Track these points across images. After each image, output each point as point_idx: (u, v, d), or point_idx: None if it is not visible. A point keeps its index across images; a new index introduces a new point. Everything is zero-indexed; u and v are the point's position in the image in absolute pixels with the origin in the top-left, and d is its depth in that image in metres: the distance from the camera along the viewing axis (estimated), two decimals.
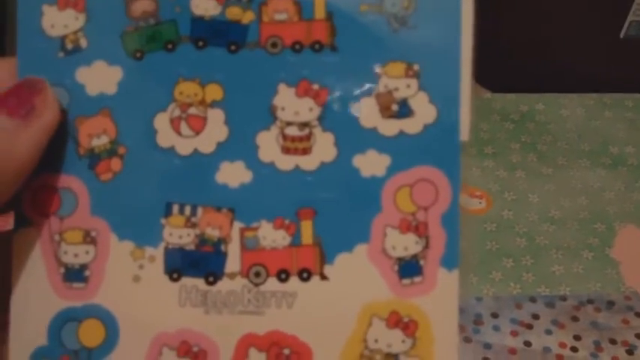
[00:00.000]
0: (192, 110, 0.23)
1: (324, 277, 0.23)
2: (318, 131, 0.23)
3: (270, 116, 0.23)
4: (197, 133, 0.23)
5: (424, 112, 0.23)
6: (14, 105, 0.21)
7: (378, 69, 0.23)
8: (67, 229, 0.23)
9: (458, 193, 0.22)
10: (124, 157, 0.23)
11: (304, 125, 0.23)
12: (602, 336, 0.54)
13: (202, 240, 0.23)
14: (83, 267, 0.23)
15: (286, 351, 0.23)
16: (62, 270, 0.23)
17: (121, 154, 0.23)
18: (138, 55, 0.23)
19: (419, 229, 0.23)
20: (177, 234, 0.23)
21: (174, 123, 0.23)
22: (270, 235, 0.23)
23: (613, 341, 0.54)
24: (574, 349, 0.53)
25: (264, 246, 0.23)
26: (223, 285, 0.23)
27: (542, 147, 0.71)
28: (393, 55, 0.23)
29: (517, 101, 0.76)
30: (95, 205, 0.23)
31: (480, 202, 0.64)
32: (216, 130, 0.23)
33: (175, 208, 0.23)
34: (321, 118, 0.23)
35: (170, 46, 0.23)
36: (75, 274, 0.23)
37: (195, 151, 0.23)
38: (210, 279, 0.23)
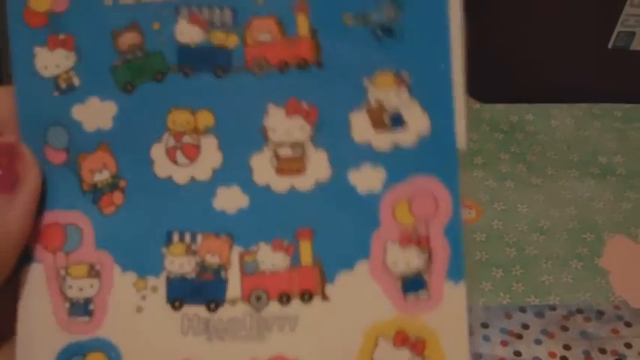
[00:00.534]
0: (186, 139, 0.23)
1: (325, 298, 0.22)
2: (310, 150, 0.23)
3: (261, 138, 0.23)
4: (192, 160, 0.23)
5: (417, 121, 0.22)
6: None
7: (366, 82, 0.22)
8: (73, 263, 0.23)
9: (459, 202, 0.22)
10: (125, 190, 0.23)
11: (297, 145, 0.23)
12: (592, 345, 0.54)
13: (203, 267, 0.23)
14: (88, 301, 0.23)
15: None
16: (67, 305, 0.23)
17: (122, 187, 0.23)
18: (129, 88, 0.23)
19: (420, 242, 0.22)
20: (178, 262, 0.23)
21: (170, 153, 0.23)
22: (270, 259, 0.23)
23: (603, 351, 0.54)
24: (564, 359, 0.53)
25: (264, 270, 0.23)
26: (225, 312, 0.23)
27: (532, 157, 0.71)
28: (381, 66, 0.22)
29: (506, 112, 0.77)
30: (99, 238, 0.23)
31: (470, 212, 0.64)
32: (210, 156, 0.23)
33: (175, 237, 0.23)
34: (312, 137, 0.23)
35: (159, 77, 0.23)
36: (80, 308, 0.23)
37: (192, 179, 0.23)
38: (212, 306, 0.23)
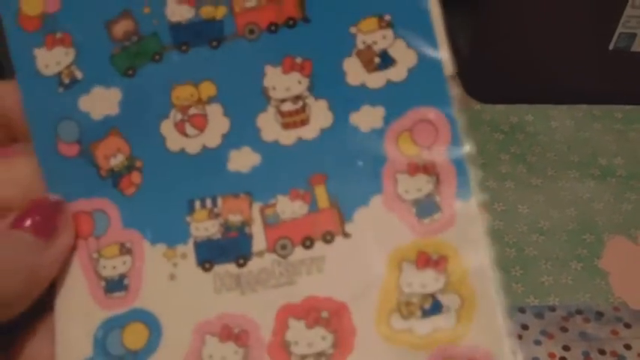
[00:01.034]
0: (192, 110, 0.24)
1: (346, 235, 0.23)
2: (311, 101, 0.24)
3: (263, 98, 0.24)
4: (201, 130, 0.24)
5: (405, 57, 0.23)
6: (39, 223, 0.22)
7: (352, 29, 0.23)
8: (104, 246, 0.24)
9: (457, 125, 0.23)
10: (142, 170, 0.24)
11: (297, 98, 0.24)
12: (591, 346, 0.54)
13: (227, 227, 0.24)
14: (122, 276, 0.24)
15: (324, 314, 0.23)
16: (103, 283, 0.24)
17: (139, 167, 0.24)
18: (130, 72, 0.24)
19: (427, 168, 0.23)
20: (203, 227, 0.24)
21: (179, 126, 0.24)
22: (289, 208, 0.23)
23: (602, 352, 0.54)
24: None
25: (285, 219, 0.24)
26: (254, 265, 0.23)
27: (532, 158, 0.71)
28: (364, 12, 0.23)
29: (507, 112, 0.77)
30: (126, 218, 0.24)
31: None
32: (218, 123, 0.24)
33: (197, 204, 0.24)
34: (311, 88, 0.23)
35: (157, 57, 0.24)
36: (115, 285, 0.24)
37: (204, 147, 0.24)
38: (241, 261, 0.24)
